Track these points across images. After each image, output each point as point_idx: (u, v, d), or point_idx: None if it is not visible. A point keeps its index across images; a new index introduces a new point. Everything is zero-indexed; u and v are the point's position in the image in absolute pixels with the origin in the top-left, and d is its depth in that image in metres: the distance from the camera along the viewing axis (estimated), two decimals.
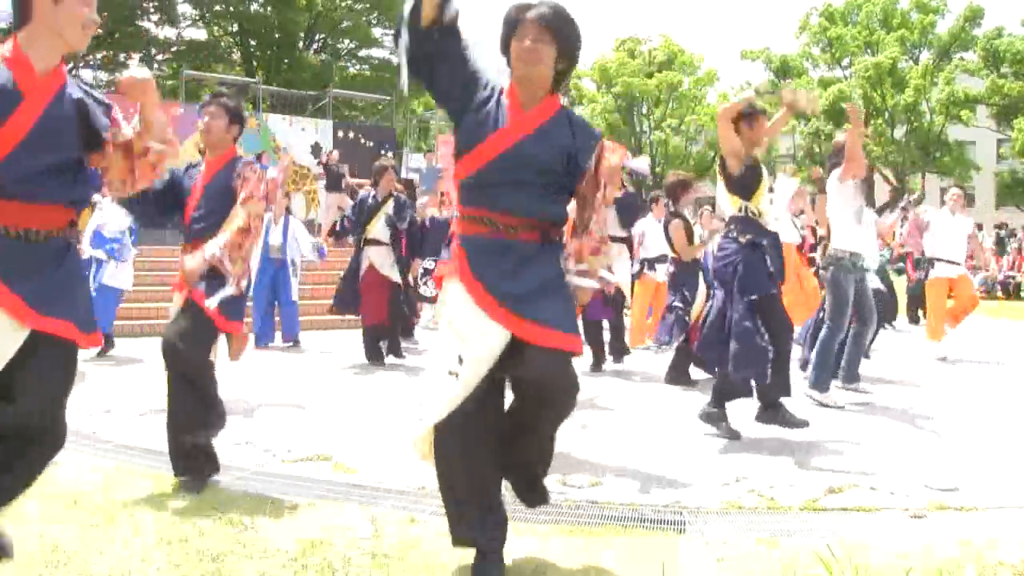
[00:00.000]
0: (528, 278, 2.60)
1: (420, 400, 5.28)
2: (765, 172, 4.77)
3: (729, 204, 4.75)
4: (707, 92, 40.61)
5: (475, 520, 2.65)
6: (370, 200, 7.65)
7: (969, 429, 5.09)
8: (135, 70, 2.57)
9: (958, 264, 8.51)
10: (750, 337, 4.48)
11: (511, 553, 2.77)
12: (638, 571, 2.81)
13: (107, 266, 7.68)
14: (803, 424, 4.59)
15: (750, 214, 4.69)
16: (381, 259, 7.56)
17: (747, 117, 4.66)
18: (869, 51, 35.09)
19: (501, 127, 2.65)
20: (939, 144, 34.35)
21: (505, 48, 2.70)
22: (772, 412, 4.63)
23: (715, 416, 4.73)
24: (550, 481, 3.77)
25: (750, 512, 3.47)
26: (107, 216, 7.70)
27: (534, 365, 2.56)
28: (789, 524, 3.30)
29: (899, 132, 34.49)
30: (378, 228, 7.58)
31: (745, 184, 4.67)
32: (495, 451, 2.70)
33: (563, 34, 2.64)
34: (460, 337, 2.71)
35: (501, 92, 2.72)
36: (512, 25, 2.67)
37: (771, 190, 5.14)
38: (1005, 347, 9.43)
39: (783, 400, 4.67)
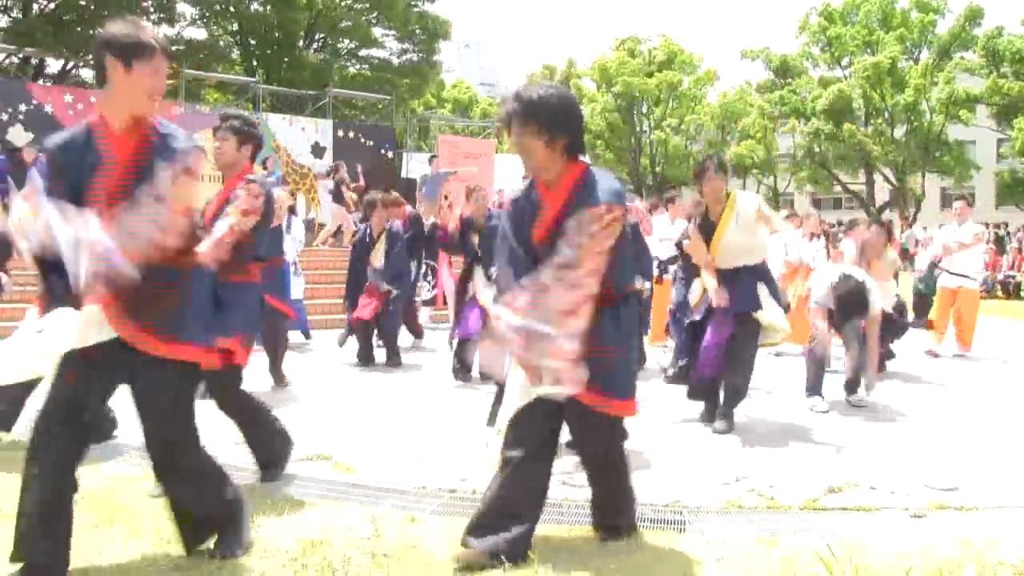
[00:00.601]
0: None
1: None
2: (734, 224, 4.82)
3: None
4: (707, 91, 40.65)
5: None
6: (366, 239, 7.65)
7: (969, 429, 5.09)
8: None
9: (965, 276, 8.53)
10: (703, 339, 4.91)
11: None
12: (638, 571, 2.82)
13: None
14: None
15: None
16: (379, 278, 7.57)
17: (698, 176, 4.91)
18: (869, 51, 35.09)
19: (537, 220, 2.81)
20: (939, 144, 34.35)
21: None
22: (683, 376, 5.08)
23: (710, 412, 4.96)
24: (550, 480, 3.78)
25: (750, 511, 3.47)
26: None
27: (568, 416, 2.94)
28: (789, 523, 3.30)
29: (899, 132, 34.49)
30: (379, 261, 7.57)
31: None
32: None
33: (537, 115, 2.69)
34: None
35: (532, 184, 2.87)
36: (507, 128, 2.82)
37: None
38: (1005, 347, 9.43)
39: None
